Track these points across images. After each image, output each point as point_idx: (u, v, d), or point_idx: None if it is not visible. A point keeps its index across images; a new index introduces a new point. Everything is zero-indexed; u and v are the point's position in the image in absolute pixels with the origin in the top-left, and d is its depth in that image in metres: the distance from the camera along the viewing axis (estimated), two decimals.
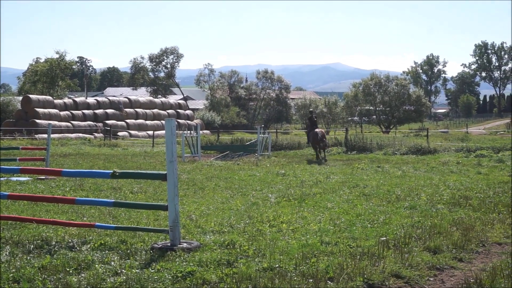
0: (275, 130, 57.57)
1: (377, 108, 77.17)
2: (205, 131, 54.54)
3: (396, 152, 26.48)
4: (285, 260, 6.36)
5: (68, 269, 6.01)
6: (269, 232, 7.97)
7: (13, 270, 5.96)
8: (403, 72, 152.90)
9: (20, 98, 53.92)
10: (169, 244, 6.86)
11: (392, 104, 75.60)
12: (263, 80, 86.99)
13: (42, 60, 79.82)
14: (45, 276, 5.78)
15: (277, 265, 6.16)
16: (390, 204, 10.45)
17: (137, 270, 5.96)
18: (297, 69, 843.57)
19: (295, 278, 5.74)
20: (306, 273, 5.92)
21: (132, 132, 51.49)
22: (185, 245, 6.87)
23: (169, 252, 6.58)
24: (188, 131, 27.25)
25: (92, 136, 45.22)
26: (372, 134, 55.43)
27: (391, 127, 75.86)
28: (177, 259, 6.35)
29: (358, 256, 6.56)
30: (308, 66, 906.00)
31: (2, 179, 14.92)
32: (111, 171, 7.34)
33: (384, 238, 7.44)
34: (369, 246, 7.03)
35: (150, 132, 49.56)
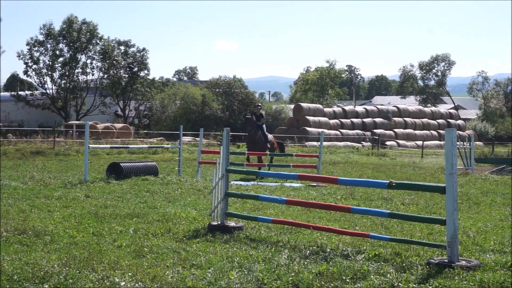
0: None
1: None
2: (477, 143, 51.98)
3: None
4: None
5: (344, 278, 6.06)
6: None
7: (292, 274, 6.17)
8: None
9: (292, 106, 56.45)
10: (446, 260, 6.56)
11: None
12: None
13: (312, 69, 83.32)
14: (323, 283, 5.89)
15: None
16: None
17: (414, 285, 5.79)
18: None
19: None
20: None
21: (400, 141, 51.01)
22: (463, 263, 6.52)
23: (446, 269, 6.29)
24: (461, 142, 26.14)
25: (360, 145, 45.75)
26: None
27: None
28: (455, 277, 6.05)
29: None
30: None
31: (276, 184, 15.76)
32: (387, 181, 7.27)
33: None
34: None
35: (419, 142, 48.67)
